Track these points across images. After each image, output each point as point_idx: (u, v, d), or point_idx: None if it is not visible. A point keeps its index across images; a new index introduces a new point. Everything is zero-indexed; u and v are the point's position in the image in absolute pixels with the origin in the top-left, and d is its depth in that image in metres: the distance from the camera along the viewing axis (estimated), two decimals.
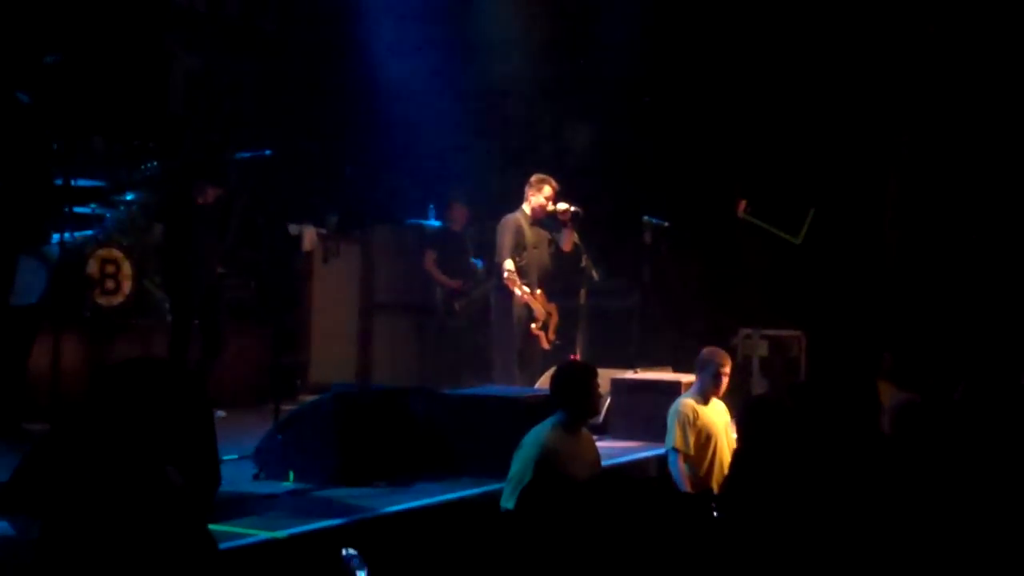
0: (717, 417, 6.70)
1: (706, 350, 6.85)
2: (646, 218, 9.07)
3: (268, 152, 7.37)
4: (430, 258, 10.15)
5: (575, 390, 5.58)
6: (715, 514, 4.24)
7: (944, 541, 3.86)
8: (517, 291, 8.06)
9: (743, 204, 9.86)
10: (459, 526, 5.57)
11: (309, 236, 9.98)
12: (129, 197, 8.84)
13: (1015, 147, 10.10)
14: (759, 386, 9.62)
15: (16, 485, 5.24)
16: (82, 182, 8.55)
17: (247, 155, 7.67)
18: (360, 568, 3.59)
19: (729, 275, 10.67)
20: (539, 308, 8.26)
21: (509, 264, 8.13)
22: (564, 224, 8.47)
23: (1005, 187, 10.14)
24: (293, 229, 9.91)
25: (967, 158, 10.25)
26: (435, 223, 10.57)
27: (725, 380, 6.73)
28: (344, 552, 3.65)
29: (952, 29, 10.30)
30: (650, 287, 10.15)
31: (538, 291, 8.33)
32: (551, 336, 8.38)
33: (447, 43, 10.63)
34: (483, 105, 10.98)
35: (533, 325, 8.25)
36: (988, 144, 10.17)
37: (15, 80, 5.63)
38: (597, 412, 5.87)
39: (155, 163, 8.62)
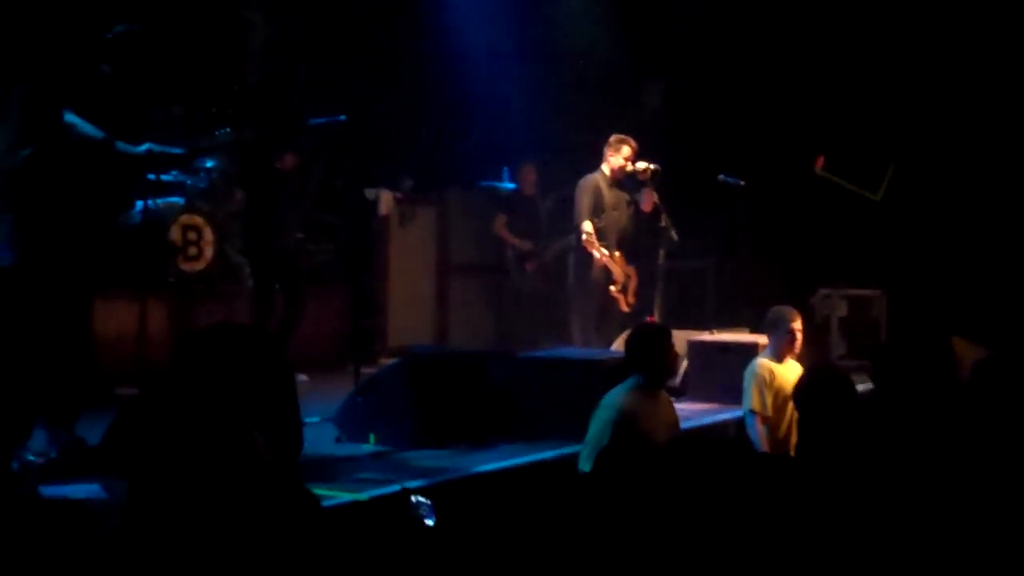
0: (794, 377, 6.63)
1: (774, 309, 6.76)
2: (722, 177, 8.98)
3: (343, 118, 7.43)
4: (500, 221, 10.12)
5: (649, 351, 5.57)
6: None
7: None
8: (596, 253, 8.04)
9: (821, 160, 9.70)
10: (537, 488, 5.62)
11: (385, 200, 10.05)
12: (209, 164, 8.97)
13: None
14: (839, 346, 9.50)
15: (108, 447, 5.40)
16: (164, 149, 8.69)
17: (323, 121, 7.74)
18: (429, 516, 3.62)
19: (807, 233, 10.52)
20: (618, 270, 8.25)
21: (587, 226, 8.11)
22: (644, 184, 8.42)
23: None
24: (369, 193, 9.97)
25: None
26: (509, 185, 10.58)
27: (799, 337, 6.64)
28: (414, 499, 3.67)
29: None
30: (727, 247, 10.07)
31: (616, 253, 8.31)
32: (630, 299, 8.36)
33: (520, 4, 10.59)
34: (558, 66, 10.93)
35: (612, 288, 8.23)
36: None
37: (97, 52, 5.73)
38: (673, 373, 5.86)
39: (228, 130, 8.70)
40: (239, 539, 2.68)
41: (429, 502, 3.50)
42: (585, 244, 8.03)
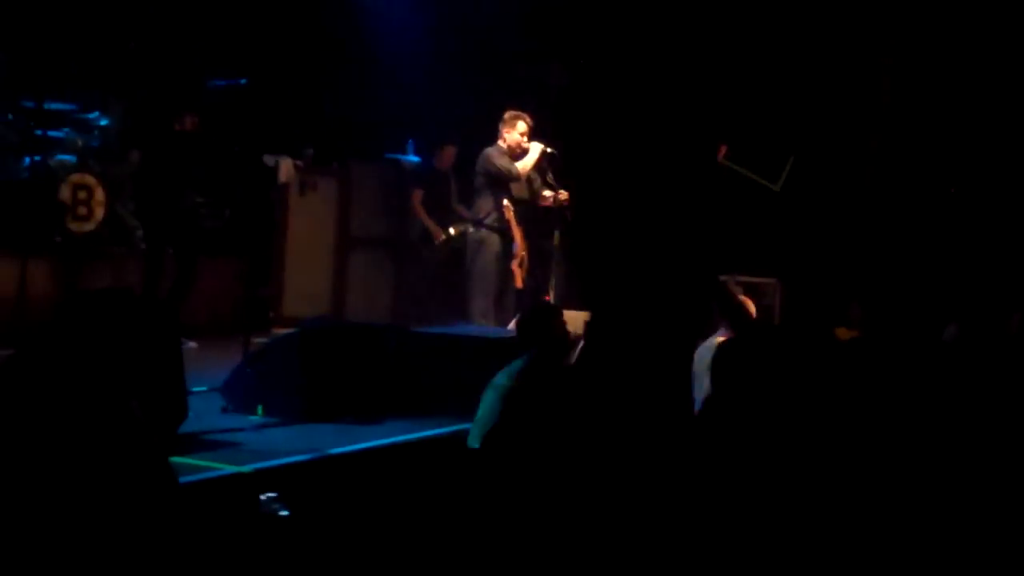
0: None
1: None
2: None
3: (244, 81, 7.29)
4: (417, 197, 9.91)
5: (540, 330, 5.57)
6: None
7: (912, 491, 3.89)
8: (514, 228, 8.07)
9: (724, 149, 9.80)
10: (426, 465, 5.58)
11: (285, 167, 9.85)
12: (104, 123, 8.72)
13: (998, 100, 10.06)
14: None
15: None
16: (56, 106, 8.44)
17: (223, 83, 7.58)
18: (282, 508, 3.59)
19: (707, 220, 10.61)
20: (522, 245, 8.24)
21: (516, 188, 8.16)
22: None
23: (986, 141, 10.11)
24: (269, 160, 9.78)
25: (949, 109, 10.20)
26: (413, 158, 10.46)
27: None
28: (263, 497, 3.64)
29: None
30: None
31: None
32: (524, 275, 8.35)
33: None
34: (463, 40, 10.84)
35: (513, 263, 8.22)
36: (970, 96, 10.12)
37: None
38: (566, 352, 5.86)
39: (128, 91, 8.48)
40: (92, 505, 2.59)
41: (276, 495, 3.46)
42: (507, 217, 8.06)
